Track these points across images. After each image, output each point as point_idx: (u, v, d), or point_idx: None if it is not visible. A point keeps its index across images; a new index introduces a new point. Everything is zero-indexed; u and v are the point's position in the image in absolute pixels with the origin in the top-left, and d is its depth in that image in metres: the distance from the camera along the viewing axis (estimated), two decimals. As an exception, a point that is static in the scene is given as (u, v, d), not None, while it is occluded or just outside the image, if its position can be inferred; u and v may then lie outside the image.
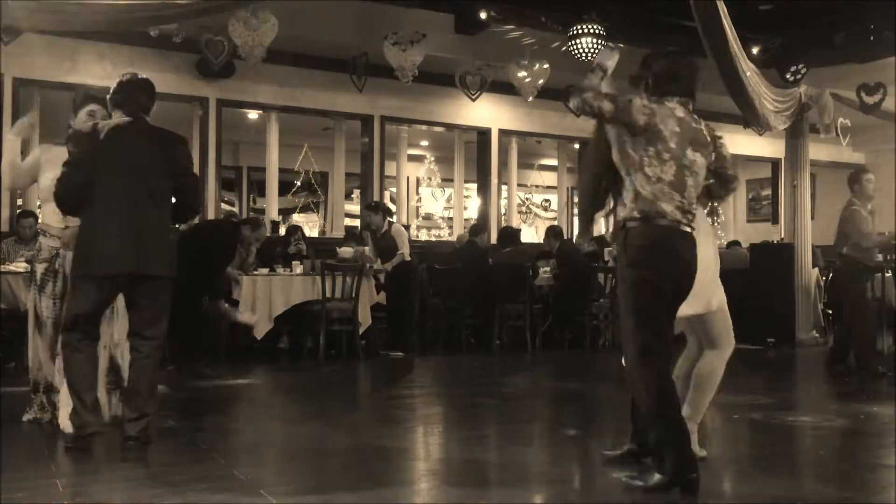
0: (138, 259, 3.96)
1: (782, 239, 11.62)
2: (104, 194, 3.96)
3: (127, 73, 4.36)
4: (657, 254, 3.41)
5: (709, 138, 3.63)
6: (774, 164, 14.01)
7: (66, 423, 4.19)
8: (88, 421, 3.96)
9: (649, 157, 3.43)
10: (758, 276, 10.00)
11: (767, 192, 15.07)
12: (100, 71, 9.03)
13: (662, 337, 3.43)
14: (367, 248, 8.66)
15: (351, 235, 9.36)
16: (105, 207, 3.96)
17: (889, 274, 9.17)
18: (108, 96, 4.29)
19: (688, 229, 3.46)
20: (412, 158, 13.81)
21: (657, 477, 3.33)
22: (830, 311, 10.75)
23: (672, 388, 3.43)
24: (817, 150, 11.67)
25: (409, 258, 8.63)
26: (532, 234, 14.80)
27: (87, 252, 3.96)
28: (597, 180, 3.73)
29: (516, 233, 10.05)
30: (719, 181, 3.77)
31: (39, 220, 4.41)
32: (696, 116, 3.65)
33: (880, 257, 7.47)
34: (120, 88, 4.23)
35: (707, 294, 3.80)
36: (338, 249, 8.60)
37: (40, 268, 4.45)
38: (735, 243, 12.24)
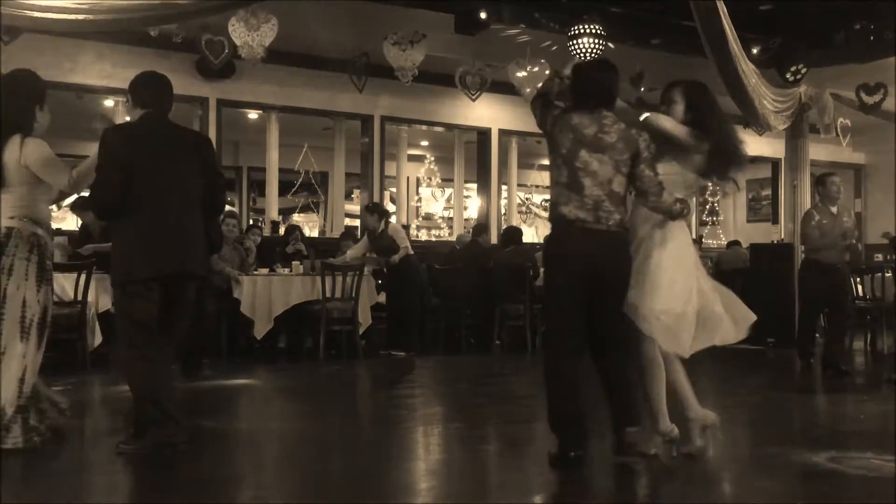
0: (183, 258, 3.97)
1: (782, 239, 11.62)
2: (145, 195, 3.89)
3: (148, 71, 4.32)
4: (554, 250, 3.82)
5: (622, 143, 3.74)
6: (774, 164, 14.00)
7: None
8: (172, 431, 3.86)
9: (552, 163, 3.80)
10: (758, 276, 10.00)
11: (767, 192, 15.06)
12: (100, 71, 9.03)
13: (564, 330, 3.71)
14: (355, 248, 8.68)
15: (348, 235, 9.36)
16: (148, 208, 3.90)
17: (889, 274, 9.19)
18: (129, 94, 4.22)
19: (597, 226, 3.65)
20: (412, 158, 13.80)
21: None
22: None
23: (568, 379, 3.69)
24: (817, 150, 11.67)
25: (411, 251, 8.70)
26: (532, 234, 14.79)
27: (134, 254, 3.91)
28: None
29: (519, 233, 10.04)
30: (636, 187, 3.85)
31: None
32: (609, 122, 3.79)
33: (847, 257, 7.50)
34: (144, 85, 4.17)
35: (679, 293, 3.79)
36: (347, 254, 8.66)
37: (27, 262, 4.01)
38: (735, 243, 12.24)
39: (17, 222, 4.00)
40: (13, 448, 3.78)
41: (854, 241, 7.35)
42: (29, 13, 6.40)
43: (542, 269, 9.38)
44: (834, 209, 7.26)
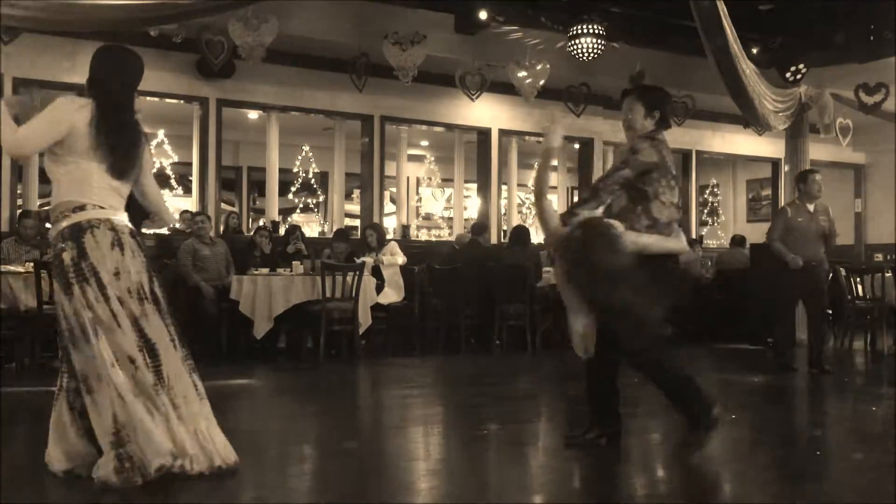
0: None
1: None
2: None
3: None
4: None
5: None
6: (774, 164, 14.01)
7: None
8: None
9: (663, 185, 3.96)
10: (758, 276, 10.00)
11: (767, 192, 15.06)
12: (100, 71, 9.02)
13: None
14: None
15: (340, 236, 9.36)
16: None
17: (889, 274, 9.18)
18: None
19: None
20: (412, 158, 13.81)
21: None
22: (830, 311, 10.75)
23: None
24: (817, 150, 11.66)
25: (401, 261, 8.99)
26: (531, 234, 14.77)
27: None
28: None
29: (527, 232, 10.02)
30: None
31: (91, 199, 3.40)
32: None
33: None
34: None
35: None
36: (366, 259, 8.77)
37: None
38: (739, 239, 12.19)
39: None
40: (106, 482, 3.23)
41: (832, 238, 7.25)
42: (29, 13, 6.39)
43: (546, 270, 9.41)
44: (811, 207, 7.16)
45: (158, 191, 3.82)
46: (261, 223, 11.87)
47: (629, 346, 3.84)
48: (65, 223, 3.39)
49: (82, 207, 3.40)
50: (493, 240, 11.53)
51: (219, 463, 3.45)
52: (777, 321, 7.50)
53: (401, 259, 9.01)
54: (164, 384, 3.39)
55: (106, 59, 3.65)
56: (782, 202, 12.55)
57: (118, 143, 3.48)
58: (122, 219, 3.50)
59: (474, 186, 12.48)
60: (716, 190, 16.10)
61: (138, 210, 3.68)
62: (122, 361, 3.32)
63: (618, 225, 3.82)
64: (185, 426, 3.40)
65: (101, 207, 3.42)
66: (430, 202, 15.80)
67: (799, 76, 10.07)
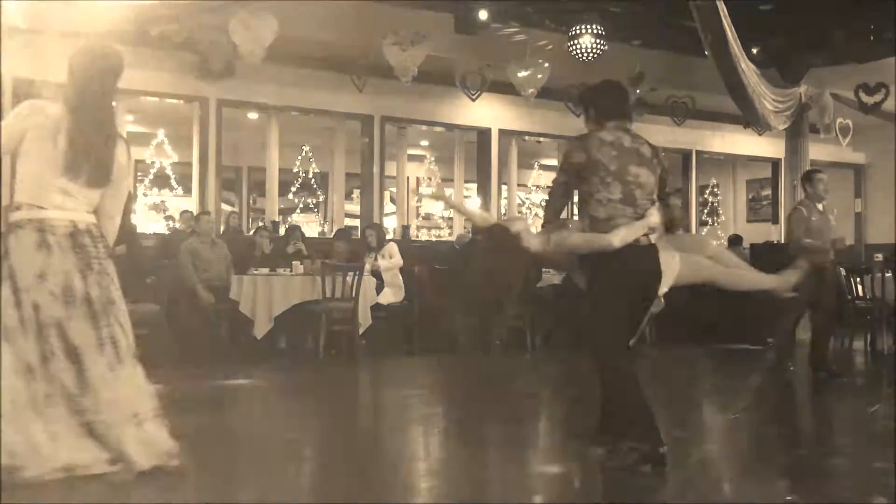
0: None
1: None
2: None
3: None
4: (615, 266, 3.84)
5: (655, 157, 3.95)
6: (774, 164, 14.00)
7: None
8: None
9: (596, 183, 3.86)
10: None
11: (767, 192, 15.06)
12: (100, 71, 9.02)
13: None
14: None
15: (341, 235, 9.37)
16: None
17: (889, 274, 9.18)
18: None
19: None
20: (412, 158, 13.80)
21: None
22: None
23: (629, 377, 3.76)
24: (817, 150, 11.66)
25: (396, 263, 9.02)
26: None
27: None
28: None
29: None
30: None
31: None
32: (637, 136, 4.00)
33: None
34: None
35: None
36: (382, 263, 8.83)
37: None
38: (737, 238, 12.20)
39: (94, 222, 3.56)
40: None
41: (843, 237, 7.18)
42: (29, 13, 6.40)
43: (543, 269, 9.41)
44: (821, 207, 7.09)
45: (114, 209, 3.65)
46: (260, 223, 11.88)
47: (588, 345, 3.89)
48: (2, 224, 3.43)
49: (19, 207, 3.40)
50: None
51: (157, 463, 3.40)
52: (783, 321, 7.27)
53: (397, 262, 9.00)
54: (87, 389, 3.34)
55: (79, 59, 3.62)
56: (782, 202, 12.57)
57: (77, 143, 3.44)
58: (68, 217, 3.41)
59: (474, 186, 12.48)
60: (716, 190, 16.10)
61: None
62: (20, 371, 3.28)
63: (520, 227, 4.04)
64: (113, 430, 3.35)
65: (41, 207, 3.38)
66: (430, 202, 15.81)
67: (799, 76, 10.07)
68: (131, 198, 4.24)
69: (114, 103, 3.73)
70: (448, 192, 14.44)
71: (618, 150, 3.80)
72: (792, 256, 7.09)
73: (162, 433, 3.47)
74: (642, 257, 3.77)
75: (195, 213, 9.24)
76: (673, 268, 3.91)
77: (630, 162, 3.81)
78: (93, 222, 3.51)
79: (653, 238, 3.83)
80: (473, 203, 13.08)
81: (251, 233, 10.34)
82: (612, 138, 3.83)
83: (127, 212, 3.93)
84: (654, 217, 3.81)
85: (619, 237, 3.72)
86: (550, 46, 9.84)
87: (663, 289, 3.93)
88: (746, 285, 4.37)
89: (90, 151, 3.47)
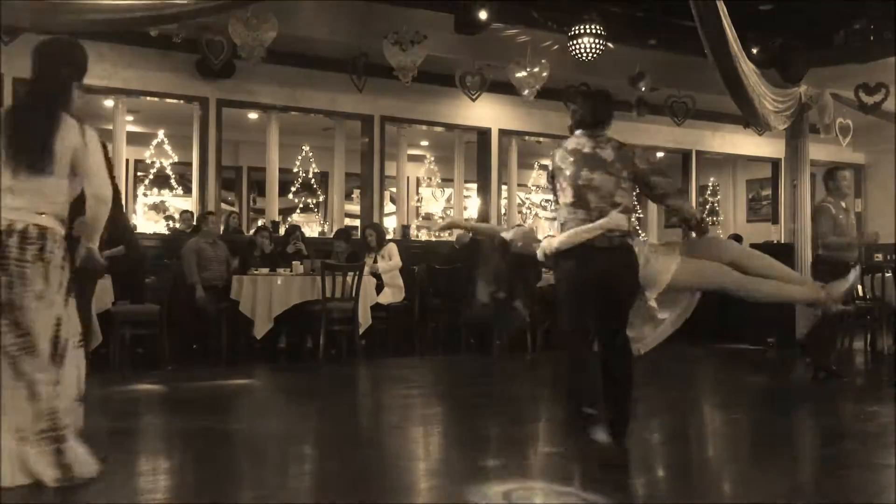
0: None
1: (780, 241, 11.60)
2: None
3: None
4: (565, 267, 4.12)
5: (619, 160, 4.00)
6: (774, 164, 14.00)
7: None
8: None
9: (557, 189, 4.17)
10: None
11: (767, 192, 15.06)
12: (100, 71, 9.01)
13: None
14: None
15: (342, 235, 9.36)
16: None
17: (889, 274, 9.18)
18: None
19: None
20: (412, 158, 13.80)
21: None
22: (831, 312, 10.73)
23: (582, 359, 4.05)
24: (817, 150, 11.65)
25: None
26: (531, 235, 14.78)
27: None
28: None
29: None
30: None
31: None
32: (604, 140, 4.06)
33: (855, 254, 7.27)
34: None
35: None
36: (380, 265, 8.80)
37: (62, 270, 3.48)
38: (736, 237, 12.19)
39: (53, 221, 3.45)
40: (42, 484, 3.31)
41: (876, 232, 7.11)
42: (29, 13, 6.39)
43: (543, 270, 9.42)
44: (844, 204, 7.03)
45: (94, 194, 3.55)
46: (259, 223, 11.89)
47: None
48: None
49: None
50: (493, 240, 11.51)
51: (66, 476, 3.34)
52: (818, 325, 7.02)
53: (396, 263, 9.01)
54: None
55: (40, 50, 3.65)
56: (782, 202, 12.56)
57: (17, 129, 3.43)
58: (6, 217, 3.36)
59: (474, 186, 12.48)
60: (716, 190, 16.10)
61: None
62: None
63: (505, 233, 4.56)
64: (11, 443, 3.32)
65: None
66: (430, 202, 15.81)
67: (799, 76, 10.06)
68: (119, 192, 4.18)
69: (76, 95, 3.61)
70: (451, 215, 14.51)
71: (574, 155, 3.99)
72: (822, 257, 7.07)
73: (42, 458, 3.34)
74: (594, 258, 3.88)
75: (202, 213, 9.25)
76: (663, 272, 3.96)
77: (584, 166, 3.94)
78: (36, 223, 3.38)
79: (644, 238, 3.92)
80: (473, 203, 13.10)
81: (251, 232, 10.34)
82: (573, 146, 4.01)
83: (119, 208, 3.86)
84: (613, 219, 3.85)
85: (552, 239, 4.04)
86: (554, 46, 9.83)
87: (651, 292, 3.97)
88: (767, 296, 4.37)
89: (29, 135, 3.44)
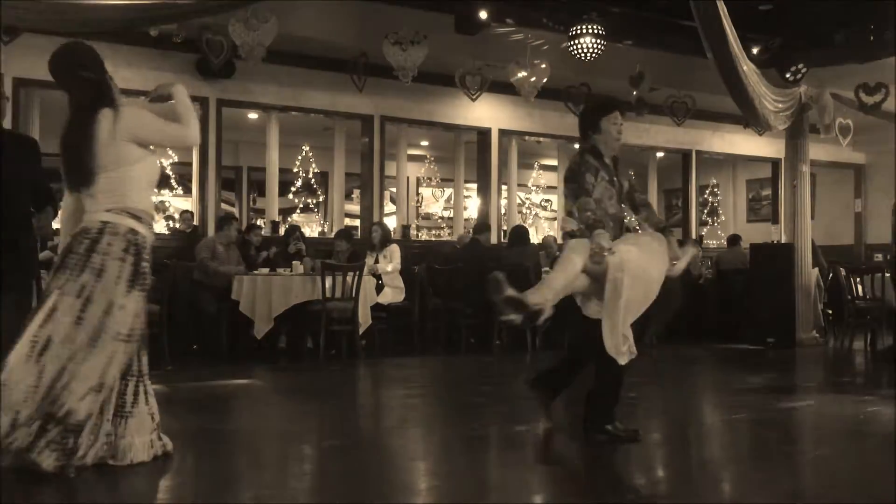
0: None
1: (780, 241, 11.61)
2: None
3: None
4: None
5: None
6: (774, 164, 14.01)
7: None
8: None
9: None
10: (758, 277, 10.01)
11: (767, 192, 15.07)
12: (100, 71, 9.02)
13: None
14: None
15: (342, 235, 9.37)
16: None
17: (889, 274, 9.18)
18: None
19: None
20: (412, 158, 13.80)
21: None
22: (831, 312, 10.75)
23: None
24: (817, 150, 11.66)
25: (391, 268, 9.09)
26: (532, 235, 14.79)
27: None
28: None
29: (526, 232, 10.01)
30: None
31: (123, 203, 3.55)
32: None
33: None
34: None
35: None
36: (380, 266, 8.85)
37: (121, 263, 3.54)
38: (735, 238, 12.20)
39: (113, 216, 3.51)
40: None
41: None
42: (29, 13, 6.39)
43: (545, 269, 9.42)
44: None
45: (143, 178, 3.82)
46: (252, 221, 11.88)
47: None
48: None
49: None
50: (493, 240, 11.53)
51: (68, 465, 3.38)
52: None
53: (396, 266, 9.04)
54: None
55: (52, 66, 3.88)
56: (782, 202, 12.56)
57: (64, 149, 3.68)
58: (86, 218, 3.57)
59: (474, 186, 12.48)
60: (716, 190, 16.10)
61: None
62: None
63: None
64: None
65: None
66: (430, 202, 15.81)
67: (799, 76, 10.07)
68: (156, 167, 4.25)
69: (112, 88, 3.91)
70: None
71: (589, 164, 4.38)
72: None
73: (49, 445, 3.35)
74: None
75: (226, 214, 9.35)
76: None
77: None
78: (100, 220, 3.51)
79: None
80: (473, 203, 13.11)
81: (243, 229, 10.34)
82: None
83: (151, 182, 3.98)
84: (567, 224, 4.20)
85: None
86: (555, 46, 9.84)
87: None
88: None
89: (71, 156, 3.64)
